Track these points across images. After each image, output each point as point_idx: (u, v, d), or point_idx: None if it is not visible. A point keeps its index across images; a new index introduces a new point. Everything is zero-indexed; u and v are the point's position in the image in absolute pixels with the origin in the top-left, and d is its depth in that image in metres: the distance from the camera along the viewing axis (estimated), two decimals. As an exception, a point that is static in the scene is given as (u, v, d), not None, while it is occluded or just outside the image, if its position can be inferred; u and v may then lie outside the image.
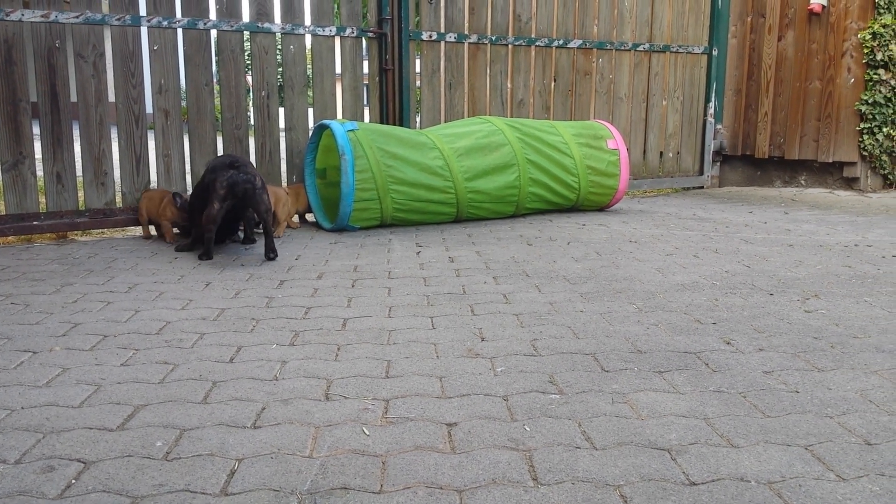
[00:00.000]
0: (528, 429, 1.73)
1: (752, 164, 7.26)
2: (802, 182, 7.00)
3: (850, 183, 6.70)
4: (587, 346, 2.35)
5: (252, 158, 4.92)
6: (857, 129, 6.46)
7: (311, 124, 5.04)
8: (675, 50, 6.60)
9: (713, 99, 6.88)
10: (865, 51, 6.34)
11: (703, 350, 2.31)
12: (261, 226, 3.81)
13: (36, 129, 4.15)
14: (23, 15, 4.08)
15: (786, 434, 1.71)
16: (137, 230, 4.65)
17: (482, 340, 2.40)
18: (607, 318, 2.66)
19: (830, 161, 6.69)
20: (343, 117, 5.15)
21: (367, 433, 1.71)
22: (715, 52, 6.80)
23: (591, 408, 1.86)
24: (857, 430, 1.73)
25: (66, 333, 2.46)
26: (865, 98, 6.38)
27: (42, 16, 4.13)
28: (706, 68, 6.84)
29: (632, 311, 2.75)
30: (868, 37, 6.29)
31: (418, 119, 5.60)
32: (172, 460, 1.57)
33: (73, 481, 1.48)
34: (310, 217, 4.98)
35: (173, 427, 1.73)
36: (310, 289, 3.09)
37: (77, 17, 4.22)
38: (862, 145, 6.46)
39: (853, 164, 6.59)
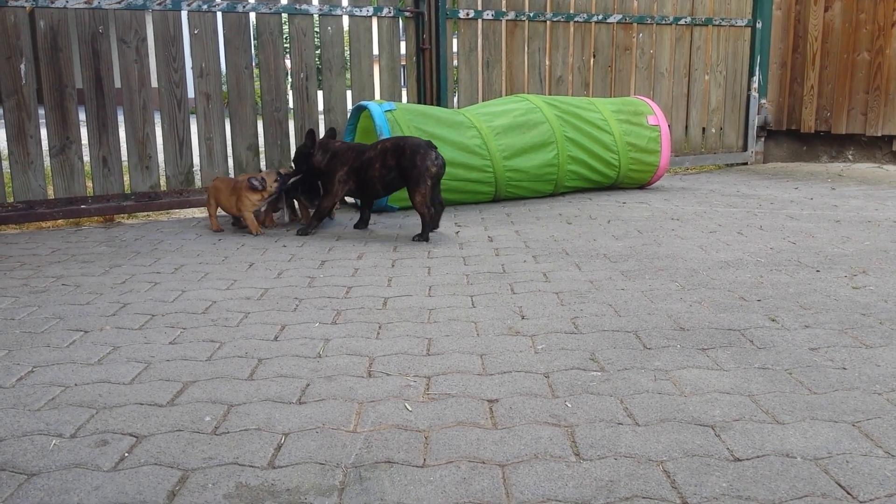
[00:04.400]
0: (569, 405, 1.74)
1: (797, 139, 7.09)
2: (850, 157, 6.82)
3: (901, 157, 6.51)
4: (629, 323, 2.34)
5: (292, 141, 4.96)
6: (908, 101, 6.26)
7: (349, 106, 5.05)
8: (717, 23, 6.45)
9: (757, 73, 6.72)
10: (917, 20, 6.13)
11: (747, 327, 2.28)
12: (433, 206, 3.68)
13: (82, 115, 4.24)
14: (67, 2, 4.15)
15: (832, 410, 1.69)
16: (181, 213, 4.74)
17: (522, 318, 2.40)
18: (649, 295, 2.64)
19: (879, 135, 6.51)
20: (381, 98, 5.16)
21: (410, 409, 1.73)
22: (759, 25, 6.63)
23: (633, 385, 1.85)
24: (907, 407, 1.70)
25: (116, 313, 2.52)
26: (917, 69, 6.18)
27: (85, 2, 4.20)
28: (750, 41, 6.68)
29: (674, 289, 2.72)
30: (920, 5, 6.09)
31: (456, 98, 5.58)
32: (221, 434, 1.61)
33: (126, 454, 1.53)
34: (349, 198, 5.01)
35: (221, 403, 1.77)
36: (350, 269, 3.11)
37: (119, 2, 4.28)
38: (913, 118, 6.27)
39: (903, 137, 6.40)
